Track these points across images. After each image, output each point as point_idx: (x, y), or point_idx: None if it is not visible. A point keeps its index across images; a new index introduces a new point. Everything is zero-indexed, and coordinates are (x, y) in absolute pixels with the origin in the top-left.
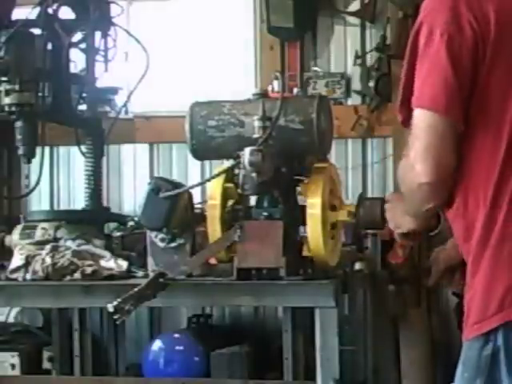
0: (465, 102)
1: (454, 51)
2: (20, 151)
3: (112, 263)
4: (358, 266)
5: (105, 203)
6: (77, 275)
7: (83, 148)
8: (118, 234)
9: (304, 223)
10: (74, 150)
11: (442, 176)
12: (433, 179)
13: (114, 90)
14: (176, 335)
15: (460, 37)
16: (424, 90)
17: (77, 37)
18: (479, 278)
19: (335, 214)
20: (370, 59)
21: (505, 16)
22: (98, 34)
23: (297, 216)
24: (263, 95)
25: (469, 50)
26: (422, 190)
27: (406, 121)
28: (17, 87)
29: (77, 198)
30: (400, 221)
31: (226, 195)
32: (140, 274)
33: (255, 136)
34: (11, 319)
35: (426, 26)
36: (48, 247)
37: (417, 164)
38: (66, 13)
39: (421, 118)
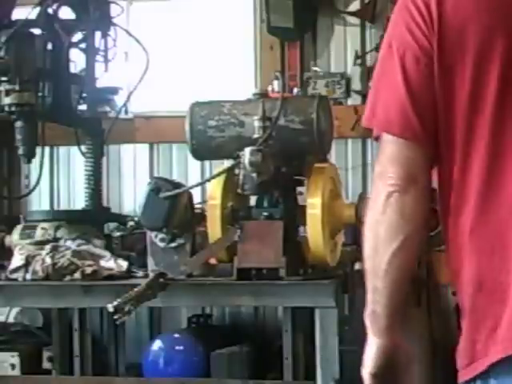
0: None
1: (407, 67)
2: (20, 151)
3: (112, 263)
4: (358, 266)
5: (105, 203)
6: (77, 275)
7: (83, 148)
8: (118, 234)
9: (304, 223)
10: (74, 150)
11: (418, 181)
12: (405, 183)
13: (114, 90)
14: (176, 335)
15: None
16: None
17: (77, 37)
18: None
19: (335, 214)
20: (370, 59)
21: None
22: (98, 34)
23: (297, 216)
24: (263, 95)
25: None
26: (392, 205)
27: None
28: (17, 87)
29: (77, 198)
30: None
31: (226, 195)
32: (140, 274)
33: (255, 136)
34: (11, 319)
35: (386, 41)
36: (48, 247)
37: (385, 172)
38: (66, 13)
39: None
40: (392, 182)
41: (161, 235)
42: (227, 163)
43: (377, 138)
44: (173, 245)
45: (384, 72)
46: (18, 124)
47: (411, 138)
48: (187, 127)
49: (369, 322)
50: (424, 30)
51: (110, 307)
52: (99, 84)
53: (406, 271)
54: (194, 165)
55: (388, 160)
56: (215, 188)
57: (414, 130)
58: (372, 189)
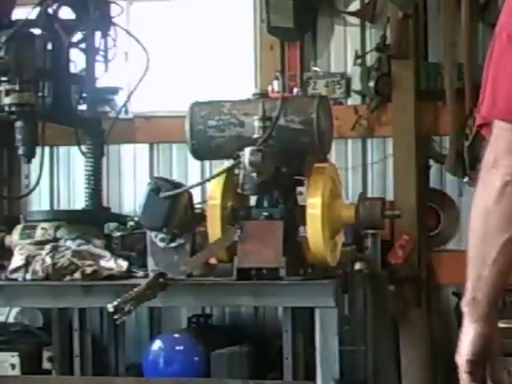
0: None
1: None
2: (20, 151)
3: (112, 263)
4: (358, 265)
5: (105, 203)
6: (77, 275)
7: (83, 148)
8: (118, 233)
9: (304, 223)
10: (74, 150)
11: None
12: None
13: (114, 90)
14: (176, 335)
15: None
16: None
17: (77, 37)
18: None
19: (335, 214)
20: (370, 59)
21: None
22: (98, 34)
23: (297, 216)
24: (263, 95)
25: None
26: (509, 194)
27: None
28: (17, 87)
29: (77, 198)
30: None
31: (225, 195)
32: (140, 273)
33: (255, 136)
34: (11, 319)
35: (504, 32)
36: (48, 247)
37: (501, 160)
38: (66, 13)
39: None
40: (509, 171)
41: (161, 235)
42: (227, 163)
43: (481, 126)
44: (173, 245)
45: (504, 63)
46: (18, 124)
47: None
48: (187, 127)
49: (468, 308)
50: None
51: (110, 307)
52: (99, 84)
53: None
54: (194, 165)
55: (504, 149)
56: (215, 188)
57: None
58: (482, 176)
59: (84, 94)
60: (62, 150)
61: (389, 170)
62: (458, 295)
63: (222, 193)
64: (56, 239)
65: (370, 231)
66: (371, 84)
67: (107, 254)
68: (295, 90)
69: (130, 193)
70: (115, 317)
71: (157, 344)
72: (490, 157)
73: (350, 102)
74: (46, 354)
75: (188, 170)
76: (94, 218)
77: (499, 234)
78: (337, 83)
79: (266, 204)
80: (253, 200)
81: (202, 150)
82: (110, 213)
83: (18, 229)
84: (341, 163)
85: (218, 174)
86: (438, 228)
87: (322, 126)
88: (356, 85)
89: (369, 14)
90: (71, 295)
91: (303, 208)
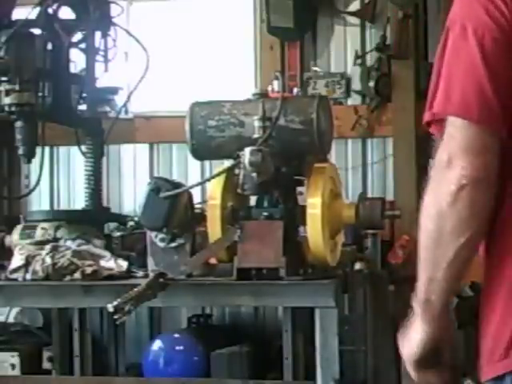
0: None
1: (486, 48)
2: (20, 151)
3: (112, 263)
4: (358, 266)
5: (105, 203)
6: (77, 275)
7: (83, 148)
8: (118, 233)
9: (304, 223)
10: (74, 150)
11: (490, 173)
12: (480, 174)
13: (114, 90)
14: (176, 335)
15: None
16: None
17: (77, 37)
18: (494, 315)
19: (335, 214)
20: (370, 59)
21: None
22: (98, 34)
23: (297, 216)
24: (263, 95)
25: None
26: (464, 198)
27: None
28: (17, 87)
29: (77, 198)
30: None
31: (225, 195)
32: (140, 274)
33: (255, 136)
34: (11, 319)
35: (458, 24)
36: (48, 247)
37: (456, 160)
38: (66, 13)
39: (454, 124)
40: (465, 174)
41: (161, 235)
42: (227, 163)
43: (429, 123)
44: (173, 245)
45: (458, 55)
46: (18, 124)
47: (489, 123)
48: (187, 127)
49: (421, 309)
50: (503, 11)
51: (110, 307)
52: (99, 84)
53: (468, 265)
54: (194, 165)
55: (460, 147)
56: (215, 188)
57: (493, 116)
58: (434, 175)
59: (84, 94)
60: (62, 149)
61: (389, 170)
62: (458, 295)
63: (222, 193)
64: (56, 239)
65: (370, 231)
66: (371, 84)
67: (107, 253)
68: (295, 90)
69: (129, 193)
70: (115, 317)
71: (157, 344)
72: (443, 156)
73: (350, 101)
74: (46, 354)
75: (188, 169)
76: (94, 218)
77: (454, 239)
78: (337, 83)
79: (266, 204)
80: (253, 200)
81: (202, 150)
82: (109, 213)
83: (18, 229)
84: (341, 163)
85: (218, 174)
86: None
87: (322, 126)
88: (356, 85)
89: (369, 14)
90: (71, 295)
91: (303, 208)
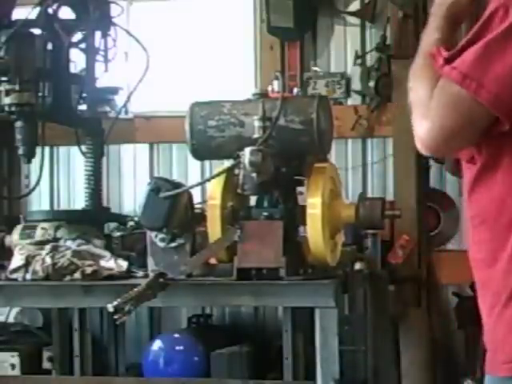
0: None
1: None
2: (20, 151)
3: (112, 263)
4: (358, 266)
5: (105, 203)
6: (77, 275)
7: (83, 148)
8: (118, 233)
9: (304, 223)
10: (74, 150)
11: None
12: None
13: (114, 90)
14: (176, 335)
15: None
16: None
17: (77, 37)
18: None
19: (335, 214)
20: (370, 59)
21: None
22: (98, 34)
23: (297, 216)
24: (263, 95)
25: None
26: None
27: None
28: (17, 87)
29: (77, 198)
30: None
31: (226, 195)
32: (140, 274)
33: (255, 136)
34: (11, 319)
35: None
36: (48, 247)
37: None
38: (66, 13)
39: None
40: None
41: (161, 235)
42: (227, 163)
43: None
44: (173, 245)
45: (505, 47)
46: (18, 124)
47: (508, 119)
48: (187, 127)
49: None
50: None
51: (110, 307)
52: (99, 84)
53: None
54: (194, 165)
55: (457, 110)
56: (215, 188)
57: None
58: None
59: (84, 94)
60: (62, 149)
61: (389, 170)
62: (458, 295)
63: (222, 193)
64: (56, 239)
65: (370, 231)
66: (371, 84)
67: (107, 253)
68: (295, 90)
69: (130, 193)
70: (115, 317)
71: (157, 344)
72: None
73: (350, 102)
74: (46, 354)
75: (188, 169)
76: (94, 218)
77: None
78: (337, 83)
79: (266, 204)
80: (253, 200)
81: (202, 150)
82: (109, 213)
83: (18, 229)
84: (341, 163)
85: (218, 174)
86: (438, 228)
87: (322, 126)
88: (356, 85)
89: (369, 14)
90: (71, 295)
91: (303, 208)
